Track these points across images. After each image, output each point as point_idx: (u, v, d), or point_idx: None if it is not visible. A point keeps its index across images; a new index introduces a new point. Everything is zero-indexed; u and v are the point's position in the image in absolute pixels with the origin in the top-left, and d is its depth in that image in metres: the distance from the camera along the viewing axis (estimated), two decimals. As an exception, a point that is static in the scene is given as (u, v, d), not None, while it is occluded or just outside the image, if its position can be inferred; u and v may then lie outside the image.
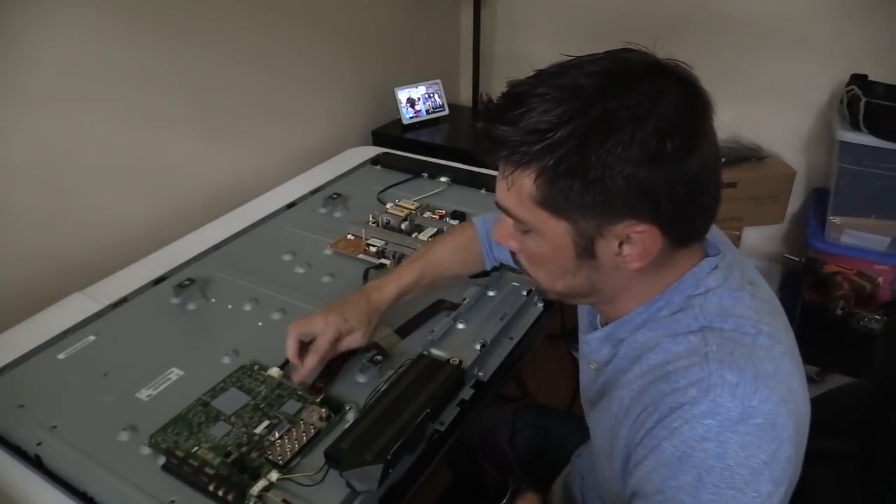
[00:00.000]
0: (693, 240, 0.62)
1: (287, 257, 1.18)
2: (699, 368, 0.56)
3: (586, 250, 0.59)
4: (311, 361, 0.83)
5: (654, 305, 0.63)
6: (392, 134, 1.83)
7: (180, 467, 0.74)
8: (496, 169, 0.61)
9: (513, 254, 0.68)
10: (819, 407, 0.65)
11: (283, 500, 0.70)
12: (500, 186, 0.60)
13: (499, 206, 0.62)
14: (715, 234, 0.68)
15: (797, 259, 1.82)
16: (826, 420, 0.67)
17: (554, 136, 0.53)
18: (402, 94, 1.83)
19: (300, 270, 1.14)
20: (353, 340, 0.86)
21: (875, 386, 0.79)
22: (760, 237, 2.03)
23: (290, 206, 1.38)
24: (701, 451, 0.54)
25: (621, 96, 0.53)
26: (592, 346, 0.71)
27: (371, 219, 1.25)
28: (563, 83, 0.54)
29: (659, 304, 0.63)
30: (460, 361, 0.87)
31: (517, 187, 0.58)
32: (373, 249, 1.17)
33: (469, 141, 1.85)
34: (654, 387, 0.58)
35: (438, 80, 1.89)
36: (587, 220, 0.57)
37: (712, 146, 0.57)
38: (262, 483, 0.71)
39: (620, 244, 0.58)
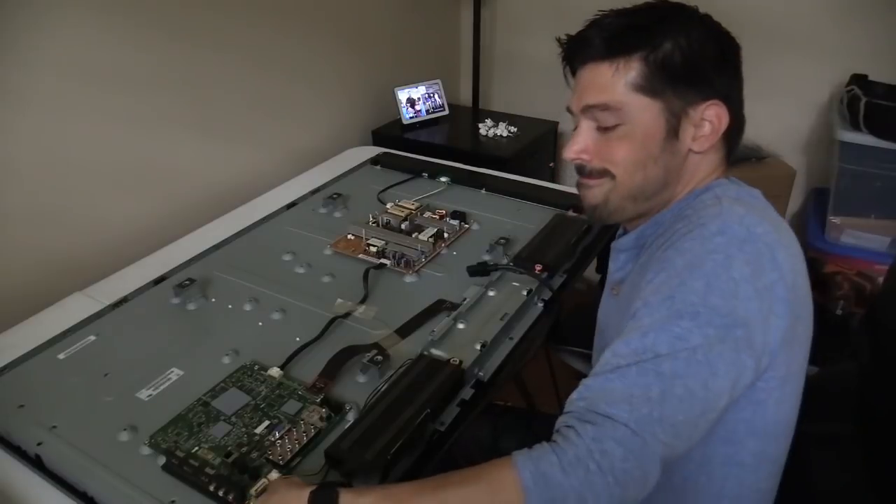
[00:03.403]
0: (737, 142, 0.74)
1: (287, 257, 1.18)
2: (712, 208, 0.66)
3: (674, 129, 0.70)
4: None
5: (681, 203, 0.73)
6: (392, 134, 1.83)
7: (180, 467, 0.74)
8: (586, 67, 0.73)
9: (581, 171, 0.75)
10: (811, 392, 0.67)
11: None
12: (592, 88, 0.71)
13: (587, 108, 0.72)
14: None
15: (797, 259, 1.82)
16: (821, 404, 0.69)
17: (653, 28, 0.68)
18: (402, 94, 1.83)
19: (300, 270, 1.14)
20: None
21: (864, 370, 0.80)
22: (760, 237, 2.02)
23: (290, 206, 1.38)
24: (710, 261, 0.60)
25: (684, 9, 0.71)
26: (620, 261, 0.80)
27: (371, 219, 1.25)
28: (639, 5, 0.72)
29: (686, 201, 0.73)
30: (460, 361, 0.86)
31: (618, 78, 0.69)
32: (373, 249, 1.17)
33: (469, 141, 1.86)
34: (671, 233, 0.67)
35: (438, 80, 1.89)
36: (677, 100, 0.69)
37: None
38: (262, 483, 0.71)
39: (696, 126, 0.70)
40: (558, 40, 0.74)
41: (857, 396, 0.82)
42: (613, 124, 0.70)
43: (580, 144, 0.73)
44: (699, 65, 0.68)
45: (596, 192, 0.75)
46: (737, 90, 0.72)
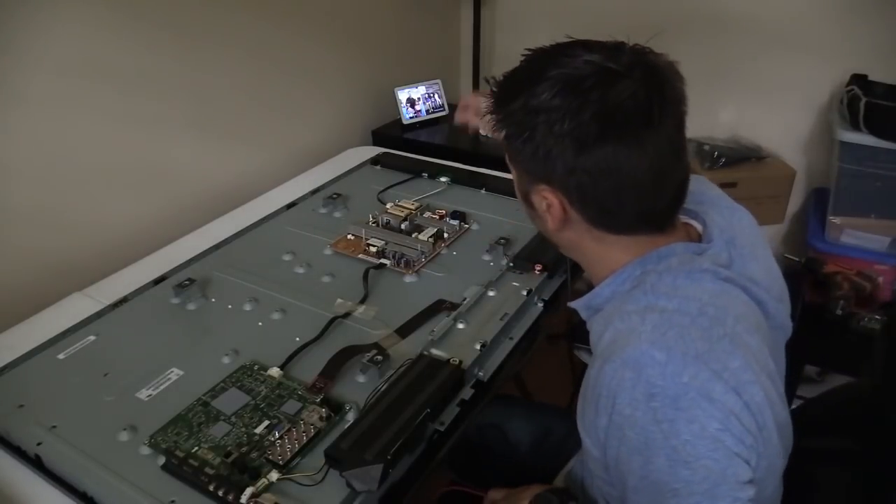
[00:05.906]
0: (625, 230, 0.66)
1: (287, 257, 1.18)
2: (632, 348, 0.58)
3: (526, 199, 0.71)
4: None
5: (619, 277, 0.67)
6: (392, 134, 1.83)
7: (180, 467, 0.74)
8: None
9: None
10: (819, 406, 0.66)
11: None
12: None
13: None
14: (741, 229, 0.72)
15: (797, 259, 1.82)
16: (827, 419, 0.67)
17: (502, 110, 0.66)
18: (402, 94, 1.83)
19: (300, 270, 1.14)
20: None
21: (876, 384, 0.79)
22: (760, 237, 2.02)
23: (290, 206, 1.38)
24: (659, 434, 0.56)
25: (551, 64, 0.62)
26: (582, 313, 0.75)
27: (371, 219, 1.25)
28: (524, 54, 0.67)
29: (623, 276, 0.67)
30: (460, 361, 0.87)
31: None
32: (373, 249, 1.17)
33: (469, 141, 1.85)
34: (604, 367, 0.60)
35: (438, 80, 1.89)
36: (524, 176, 0.69)
37: (652, 148, 0.61)
38: (262, 483, 0.71)
39: (541, 199, 0.67)
40: (486, 80, 0.75)
41: (869, 411, 0.80)
42: None
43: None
44: (551, 155, 0.62)
45: None
46: (640, 158, 0.60)
